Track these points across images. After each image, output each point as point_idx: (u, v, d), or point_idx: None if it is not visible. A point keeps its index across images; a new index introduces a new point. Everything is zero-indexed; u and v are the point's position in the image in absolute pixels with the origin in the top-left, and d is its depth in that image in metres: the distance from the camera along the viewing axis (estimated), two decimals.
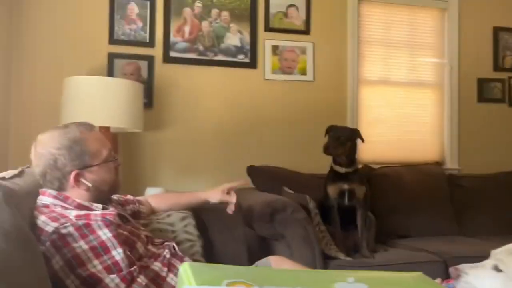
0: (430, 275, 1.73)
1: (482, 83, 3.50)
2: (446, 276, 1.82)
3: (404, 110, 3.40)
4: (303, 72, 3.19)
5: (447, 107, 3.45)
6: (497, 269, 1.20)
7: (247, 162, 2.93)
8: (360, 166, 3.10)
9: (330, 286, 0.48)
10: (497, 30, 3.54)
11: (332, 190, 2.54)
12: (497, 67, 3.54)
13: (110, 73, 2.85)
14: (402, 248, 2.61)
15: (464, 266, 1.25)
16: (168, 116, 3.01)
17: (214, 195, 1.80)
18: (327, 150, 2.52)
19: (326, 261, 2.24)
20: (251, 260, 1.76)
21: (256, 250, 2.36)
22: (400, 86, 3.40)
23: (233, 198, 1.79)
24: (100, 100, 2.34)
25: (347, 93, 3.28)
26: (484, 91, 3.49)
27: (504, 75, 3.55)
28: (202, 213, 1.95)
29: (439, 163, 3.33)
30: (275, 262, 1.61)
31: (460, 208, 3.12)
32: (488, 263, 1.24)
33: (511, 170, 3.32)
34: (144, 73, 2.92)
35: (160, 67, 2.97)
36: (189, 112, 3.04)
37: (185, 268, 0.56)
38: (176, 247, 1.46)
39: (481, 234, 2.96)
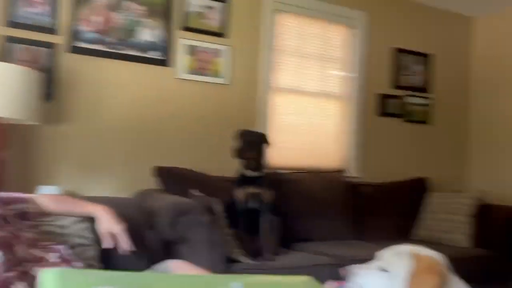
0: (328, 278, 1.80)
1: (382, 98, 3.76)
2: (339, 278, 1.91)
3: (312, 119, 3.53)
4: (217, 74, 3.17)
5: (352, 118, 3.66)
6: (382, 269, 1.30)
7: (155, 162, 2.85)
8: (268, 171, 3.17)
9: None
10: (397, 51, 3.84)
11: (239, 194, 2.56)
12: (395, 85, 3.83)
13: (5, 58, 2.58)
14: (304, 251, 2.69)
15: (352, 267, 1.32)
16: (71, 109, 2.80)
17: (101, 224, 1.60)
18: (239, 154, 2.53)
19: (229, 264, 2.23)
20: (152, 264, 1.68)
21: (160, 253, 2.28)
22: (310, 96, 3.53)
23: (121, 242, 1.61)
24: None
25: (258, 99, 3.32)
26: (384, 106, 3.76)
27: (401, 93, 3.85)
28: None
29: (341, 171, 3.50)
30: (175, 267, 1.56)
31: (358, 214, 3.31)
32: (373, 264, 1.33)
33: (404, 180, 3.61)
34: (45, 62, 2.69)
35: (64, 57, 2.76)
36: (94, 107, 2.86)
37: (47, 275, 0.50)
38: (65, 250, 1.34)
39: (376, 239, 3.17)
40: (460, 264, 2.78)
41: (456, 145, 4.12)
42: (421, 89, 3.93)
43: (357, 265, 1.35)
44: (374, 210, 3.39)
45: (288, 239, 2.86)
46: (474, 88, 4.16)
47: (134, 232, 1.89)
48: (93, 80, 2.86)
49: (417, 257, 1.29)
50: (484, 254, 2.89)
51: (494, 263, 2.89)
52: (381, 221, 3.36)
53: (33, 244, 1.31)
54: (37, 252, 1.28)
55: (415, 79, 3.91)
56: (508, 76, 3.83)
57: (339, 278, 1.93)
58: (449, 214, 3.18)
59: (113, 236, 1.59)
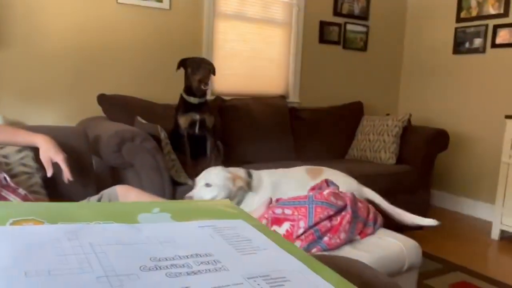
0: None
1: (323, 25, 3.84)
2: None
3: (255, 46, 3.58)
4: None
5: (293, 45, 3.74)
6: (207, 184, 2.02)
7: (98, 90, 2.84)
8: (212, 97, 3.26)
9: (133, 218, 0.56)
10: None
11: (183, 120, 2.63)
12: (336, 12, 3.89)
13: None
14: None
15: (188, 193, 2.04)
16: (7, 34, 2.68)
17: (42, 153, 1.64)
18: (202, 81, 2.56)
19: (175, 187, 2.38)
20: (100, 189, 1.78)
21: (106, 180, 2.39)
22: (253, 22, 3.54)
23: (65, 171, 1.66)
24: None
25: (203, 25, 3.30)
26: (324, 33, 3.85)
27: (341, 20, 3.93)
28: None
29: (283, 97, 3.65)
30: (121, 191, 1.68)
31: (298, 137, 3.52)
32: (200, 181, 2.06)
33: (342, 104, 3.82)
34: None
35: None
36: (29, 31, 2.75)
37: None
38: (7, 178, 1.40)
39: (315, 159, 3.44)
40: (386, 178, 3.16)
41: (389, 72, 4.35)
42: (360, 17, 4.02)
43: (191, 190, 2.07)
44: (314, 133, 3.60)
45: (232, 162, 3.04)
46: (409, 17, 4.32)
47: (79, 159, 1.98)
48: (30, 2, 2.71)
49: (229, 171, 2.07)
50: (406, 170, 3.24)
51: (413, 177, 3.25)
52: (320, 143, 3.60)
53: None
54: None
55: (355, 7, 3.98)
56: (442, 3, 3.99)
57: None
58: (379, 135, 3.46)
59: (54, 165, 1.66)
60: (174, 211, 0.59)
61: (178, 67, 2.66)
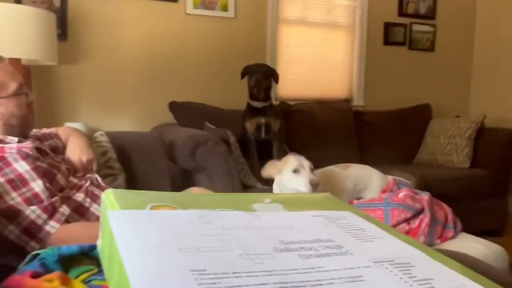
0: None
1: (388, 27, 3.76)
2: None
3: (319, 50, 3.58)
4: (225, 8, 3.19)
5: (357, 48, 3.69)
6: (296, 171, 1.87)
7: (169, 98, 2.97)
8: (277, 102, 3.29)
9: (249, 206, 0.59)
10: None
11: (249, 124, 2.69)
12: (401, 12, 3.80)
13: (18, 0, 2.63)
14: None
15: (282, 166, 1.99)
16: (84, 48, 2.89)
17: (70, 155, 1.56)
18: (255, 83, 2.63)
19: (245, 191, 2.43)
20: (176, 191, 1.86)
21: (179, 183, 2.49)
22: (317, 27, 3.55)
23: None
24: (8, 29, 2.18)
25: (267, 31, 3.36)
26: (389, 34, 3.77)
27: (406, 21, 3.83)
28: (124, 146, 1.99)
29: (347, 100, 3.61)
30: (196, 192, 1.74)
31: (364, 141, 3.46)
32: (288, 164, 1.94)
33: (408, 107, 3.71)
34: (56, 2, 2.74)
35: None
36: (107, 45, 2.94)
37: (108, 194, 0.55)
38: (99, 178, 1.49)
39: (381, 164, 3.35)
40: (459, 182, 3.02)
41: (459, 72, 4.16)
42: (426, 17, 3.89)
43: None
44: (379, 136, 3.52)
45: None
46: (479, 15, 4.12)
47: (156, 163, 2.08)
48: (104, 18, 2.91)
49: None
50: (480, 174, 3.08)
51: (488, 182, 3.08)
52: (387, 147, 3.51)
53: (70, 173, 1.43)
54: (75, 180, 1.42)
55: (420, 7, 3.86)
56: None
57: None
58: (450, 138, 3.32)
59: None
60: (285, 202, 0.62)
61: (242, 75, 2.72)
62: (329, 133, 3.33)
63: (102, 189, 1.45)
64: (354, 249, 0.48)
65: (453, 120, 3.41)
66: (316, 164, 3.22)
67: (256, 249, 0.43)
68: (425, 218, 1.64)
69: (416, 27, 3.86)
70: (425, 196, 1.75)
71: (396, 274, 0.43)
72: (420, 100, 3.82)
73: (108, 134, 1.99)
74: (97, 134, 1.96)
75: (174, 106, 2.90)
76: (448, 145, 3.31)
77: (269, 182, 2.70)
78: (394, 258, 0.47)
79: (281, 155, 2.84)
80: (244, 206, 0.57)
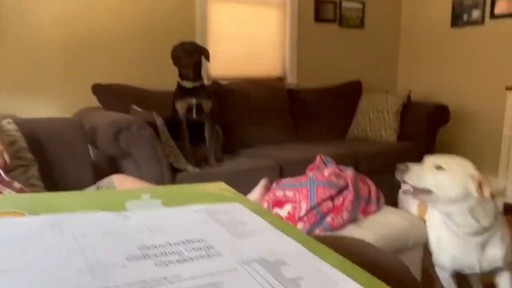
0: (268, 177, 1.98)
1: (318, 3, 3.76)
2: (279, 178, 2.11)
3: (250, 28, 3.52)
4: None
5: (288, 25, 3.67)
6: (438, 167, 1.45)
7: (93, 80, 2.80)
8: (208, 82, 3.21)
9: (121, 205, 0.54)
10: None
11: (180, 106, 2.60)
12: None
13: None
14: (247, 157, 2.86)
15: (410, 164, 1.51)
16: None
17: None
18: (178, 61, 2.53)
19: (175, 174, 2.36)
20: (99, 180, 1.76)
21: (105, 170, 2.36)
22: (248, 4, 3.47)
23: None
24: None
25: (196, 8, 3.24)
26: (320, 11, 3.77)
27: None
28: (38, 134, 1.85)
29: (281, 79, 3.60)
30: (118, 180, 1.66)
31: (297, 118, 3.49)
32: (429, 163, 1.49)
33: (340, 84, 3.77)
34: None
35: None
36: (22, 25, 2.69)
37: None
38: (1, 171, 1.38)
39: (315, 140, 3.41)
40: (388, 156, 3.13)
41: (387, 49, 4.28)
42: None
43: (414, 164, 1.49)
44: (313, 114, 3.56)
45: (232, 147, 3.02)
46: None
47: (76, 151, 1.95)
48: None
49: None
50: (407, 147, 3.21)
51: (415, 153, 3.22)
52: (320, 124, 3.56)
53: None
54: None
55: None
56: None
57: (277, 178, 2.13)
58: (379, 113, 3.42)
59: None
60: (166, 197, 0.57)
61: (171, 55, 2.61)
62: (263, 112, 3.31)
63: (6, 184, 1.34)
64: (226, 249, 0.44)
65: (382, 95, 3.52)
66: (251, 143, 3.22)
67: (105, 259, 0.38)
68: (349, 195, 1.67)
69: (345, 4, 3.90)
70: (349, 172, 1.78)
71: (262, 276, 0.39)
72: (351, 76, 3.90)
73: (18, 122, 1.84)
74: (4, 122, 1.80)
75: (97, 89, 2.73)
76: (377, 120, 3.41)
77: (200, 164, 2.65)
78: (267, 256, 0.43)
79: (214, 136, 2.80)
80: (115, 206, 0.52)
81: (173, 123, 2.60)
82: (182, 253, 0.42)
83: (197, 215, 0.52)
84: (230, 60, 3.48)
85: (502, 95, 3.32)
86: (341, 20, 3.90)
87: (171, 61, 2.64)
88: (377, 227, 1.62)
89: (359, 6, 3.97)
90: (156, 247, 0.42)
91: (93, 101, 2.76)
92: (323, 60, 3.90)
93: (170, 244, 0.43)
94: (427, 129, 3.26)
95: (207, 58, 2.66)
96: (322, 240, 0.61)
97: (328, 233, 1.57)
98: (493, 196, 1.41)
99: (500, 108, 3.39)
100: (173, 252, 0.42)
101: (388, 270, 0.49)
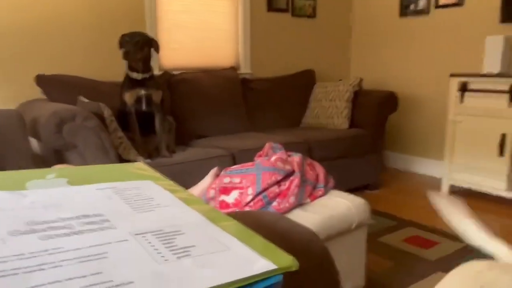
0: (220, 166, 1.97)
1: None
2: (230, 166, 2.11)
3: (202, 17, 3.48)
4: None
5: (241, 15, 3.66)
6: None
7: (37, 70, 2.69)
8: (160, 72, 3.16)
9: (21, 185, 0.51)
10: None
11: (128, 97, 2.55)
12: None
13: None
14: (200, 147, 2.85)
15: None
16: None
17: None
18: (127, 55, 2.47)
19: None
20: None
21: (50, 163, 2.29)
22: None
23: None
24: None
25: None
26: (272, 1, 3.78)
27: None
28: None
29: (234, 68, 3.59)
30: None
31: (251, 108, 3.50)
32: None
33: (293, 73, 3.81)
34: None
35: None
36: None
37: None
38: None
39: (268, 129, 3.44)
40: (340, 143, 3.20)
41: (340, 38, 4.36)
42: None
43: None
44: (266, 103, 3.58)
45: (185, 137, 2.99)
46: None
47: (15, 143, 1.88)
48: None
49: None
50: (358, 133, 3.29)
51: (366, 140, 3.31)
52: (274, 113, 3.59)
53: None
54: None
55: None
56: None
57: (231, 165, 2.12)
58: (331, 101, 3.48)
59: None
60: (73, 176, 0.55)
61: (119, 45, 2.54)
62: (217, 102, 3.30)
63: None
64: (122, 223, 0.43)
65: (334, 84, 3.58)
66: (206, 133, 3.20)
67: None
68: (295, 179, 1.69)
69: None
70: (296, 158, 1.81)
71: (153, 245, 0.39)
72: (305, 66, 3.94)
73: None
74: None
75: (42, 80, 2.63)
76: (330, 108, 3.48)
77: (151, 155, 2.61)
78: (164, 228, 0.43)
79: (164, 126, 2.76)
80: (14, 185, 0.50)
81: (122, 115, 2.54)
82: (74, 227, 0.41)
83: (101, 192, 0.51)
84: (183, 50, 3.43)
85: (447, 82, 3.46)
86: (293, 9, 3.92)
87: (119, 52, 2.57)
88: (322, 210, 1.65)
89: None
90: (46, 222, 0.41)
91: (39, 93, 2.66)
92: (277, 49, 3.92)
93: (62, 219, 0.42)
94: (377, 116, 3.35)
95: (157, 49, 2.61)
96: (238, 215, 0.62)
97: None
98: None
99: (445, 94, 3.54)
100: (63, 226, 0.41)
101: (295, 239, 0.50)
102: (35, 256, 0.35)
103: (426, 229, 2.63)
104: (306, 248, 0.48)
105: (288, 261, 0.37)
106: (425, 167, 3.90)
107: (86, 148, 2.12)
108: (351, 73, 4.44)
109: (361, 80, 3.47)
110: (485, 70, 3.07)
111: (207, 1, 3.48)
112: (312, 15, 4.06)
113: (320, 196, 1.79)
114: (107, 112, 2.37)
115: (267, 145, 1.97)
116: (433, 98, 3.79)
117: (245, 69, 3.72)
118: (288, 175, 1.72)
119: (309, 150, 3.00)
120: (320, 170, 1.90)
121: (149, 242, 0.40)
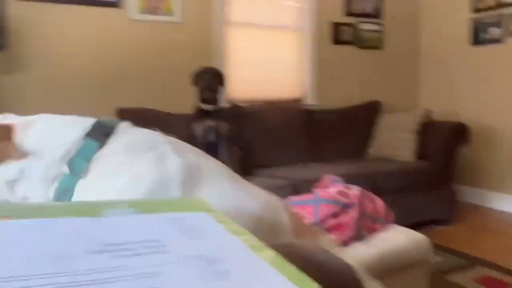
0: (281, 196, 2.04)
1: (336, 26, 3.84)
2: (290, 195, 2.16)
3: (268, 52, 3.63)
4: (170, 12, 3.20)
5: (306, 48, 3.76)
6: None
7: (117, 105, 2.96)
8: (226, 105, 3.33)
9: (98, 213, 0.61)
10: None
11: (197, 128, 2.72)
12: (347, 12, 3.89)
13: None
14: (262, 176, 2.93)
15: None
16: (27, 58, 2.84)
17: None
18: (204, 87, 2.67)
19: None
20: None
21: None
22: (265, 29, 3.60)
23: None
24: None
25: (214, 34, 3.38)
26: (337, 34, 3.86)
27: (353, 20, 3.93)
28: None
29: (299, 100, 3.68)
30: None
31: (316, 139, 3.54)
32: None
33: (359, 104, 3.81)
34: None
35: (13, 5, 2.76)
36: (51, 54, 2.90)
37: None
38: None
39: (331, 160, 3.45)
40: (405, 175, 3.12)
41: (408, 68, 4.29)
42: (373, 15, 4.00)
43: None
44: (331, 134, 3.60)
45: (249, 167, 3.10)
46: (424, 12, 4.26)
47: None
48: (46, 27, 2.87)
49: None
50: (426, 166, 3.19)
51: (434, 173, 3.20)
52: (338, 144, 3.60)
53: None
54: None
55: (367, 6, 3.97)
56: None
57: (288, 195, 2.18)
58: (397, 132, 3.43)
59: None
60: (140, 206, 0.64)
61: (193, 79, 2.75)
62: (281, 133, 3.38)
63: None
64: (175, 247, 0.51)
65: (400, 115, 3.53)
66: (269, 164, 3.29)
67: (67, 252, 0.46)
68: (353, 212, 1.71)
69: (363, 26, 3.96)
70: (355, 190, 1.82)
71: (200, 268, 0.46)
72: (373, 97, 3.93)
73: None
74: None
75: (122, 112, 2.89)
76: (396, 139, 3.42)
77: None
78: (211, 254, 0.50)
79: (229, 157, 2.88)
80: (92, 213, 0.60)
81: (192, 144, 2.71)
82: (137, 250, 0.50)
83: (163, 221, 0.60)
84: (250, 84, 3.59)
85: None
86: (360, 41, 3.96)
87: (188, 86, 2.78)
88: (380, 244, 1.64)
89: (378, 27, 4.03)
90: (116, 244, 0.50)
91: None
92: (343, 81, 3.96)
93: (129, 243, 0.51)
94: (445, 148, 3.24)
95: (221, 81, 2.79)
96: (279, 246, 0.68)
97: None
98: None
99: None
100: (129, 248, 0.49)
101: (331, 271, 0.54)
102: (106, 271, 0.43)
103: (500, 269, 2.46)
104: (337, 279, 0.52)
105: None
106: (502, 202, 3.66)
107: None
108: (420, 104, 4.33)
109: (429, 111, 3.39)
110: None
111: (273, 37, 3.63)
112: (379, 47, 4.06)
113: (379, 230, 1.78)
114: None
115: (326, 177, 2.00)
116: (511, 130, 3.58)
117: (310, 101, 3.78)
118: (347, 207, 1.74)
119: (372, 183, 2.96)
120: (379, 203, 1.89)
121: (197, 265, 0.47)
